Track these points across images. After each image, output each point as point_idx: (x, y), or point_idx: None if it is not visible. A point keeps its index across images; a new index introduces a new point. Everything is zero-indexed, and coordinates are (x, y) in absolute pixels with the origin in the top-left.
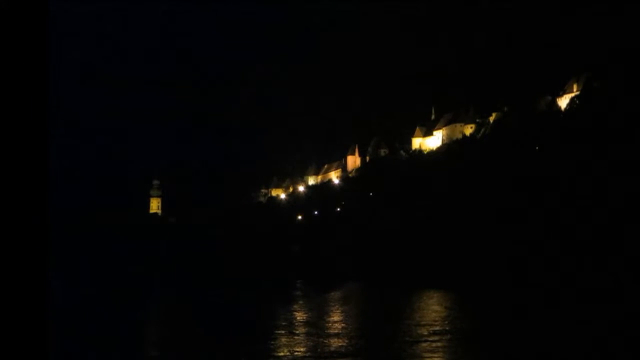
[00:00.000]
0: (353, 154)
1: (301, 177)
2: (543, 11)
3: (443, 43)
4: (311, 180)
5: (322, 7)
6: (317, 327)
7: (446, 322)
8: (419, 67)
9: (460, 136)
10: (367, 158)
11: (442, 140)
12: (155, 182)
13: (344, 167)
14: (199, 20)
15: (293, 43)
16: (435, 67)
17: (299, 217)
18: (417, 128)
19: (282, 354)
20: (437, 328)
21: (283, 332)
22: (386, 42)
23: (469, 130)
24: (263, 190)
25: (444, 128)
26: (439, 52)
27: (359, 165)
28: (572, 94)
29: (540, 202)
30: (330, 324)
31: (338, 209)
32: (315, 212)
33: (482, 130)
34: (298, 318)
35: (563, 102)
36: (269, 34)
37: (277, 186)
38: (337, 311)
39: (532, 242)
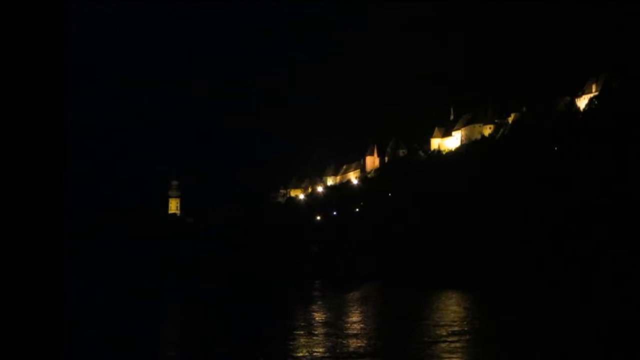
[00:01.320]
0: (372, 154)
1: (320, 177)
2: (561, 11)
3: (456, 43)
4: (330, 181)
5: (333, 7)
6: (335, 327)
7: (465, 323)
8: (432, 67)
9: (479, 137)
10: (386, 158)
11: (461, 140)
12: (174, 182)
13: (362, 168)
14: (214, 21)
15: (306, 43)
16: (443, 68)
17: (318, 218)
18: (436, 128)
19: (300, 354)
20: (456, 328)
21: (302, 332)
22: (397, 42)
23: (487, 130)
24: (282, 191)
25: (462, 128)
26: (451, 52)
27: (378, 165)
28: (591, 95)
29: (559, 202)
30: (349, 325)
31: (357, 210)
32: (334, 213)
33: (501, 130)
34: (317, 318)
35: (582, 102)
36: (283, 34)
37: (296, 187)
38: (356, 311)
39: (551, 242)
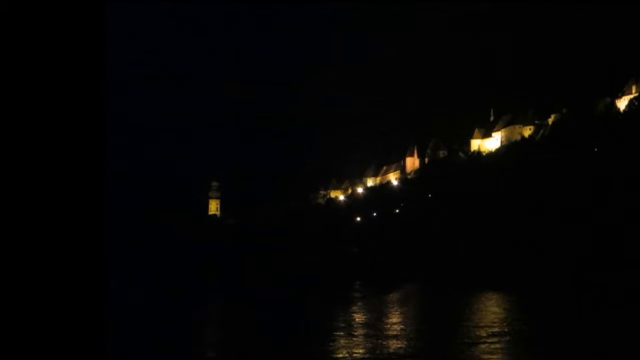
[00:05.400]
0: (412, 155)
1: (360, 178)
2: (601, 11)
3: (495, 45)
4: (370, 182)
5: (380, 7)
6: (375, 328)
7: (505, 324)
8: (472, 69)
9: (519, 138)
10: (426, 159)
11: (501, 141)
12: (214, 183)
13: (402, 169)
14: (259, 21)
15: (348, 44)
16: (482, 69)
17: (358, 219)
18: (476, 129)
19: (340, 355)
20: (496, 330)
21: (342, 333)
22: (441, 42)
23: (527, 131)
24: (322, 192)
25: (502, 129)
26: (490, 53)
27: (418, 166)
28: (631, 96)
29: (599, 203)
30: (388, 326)
31: (397, 210)
32: (374, 214)
33: (541, 131)
34: (357, 319)
35: (622, 103)
36: (325, 36)
37: (336, 188)
38: (396, 312)
39: (592, 243)
